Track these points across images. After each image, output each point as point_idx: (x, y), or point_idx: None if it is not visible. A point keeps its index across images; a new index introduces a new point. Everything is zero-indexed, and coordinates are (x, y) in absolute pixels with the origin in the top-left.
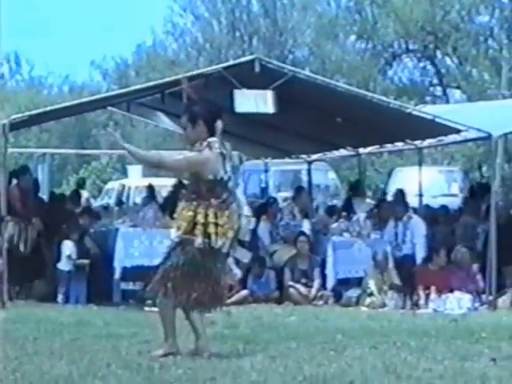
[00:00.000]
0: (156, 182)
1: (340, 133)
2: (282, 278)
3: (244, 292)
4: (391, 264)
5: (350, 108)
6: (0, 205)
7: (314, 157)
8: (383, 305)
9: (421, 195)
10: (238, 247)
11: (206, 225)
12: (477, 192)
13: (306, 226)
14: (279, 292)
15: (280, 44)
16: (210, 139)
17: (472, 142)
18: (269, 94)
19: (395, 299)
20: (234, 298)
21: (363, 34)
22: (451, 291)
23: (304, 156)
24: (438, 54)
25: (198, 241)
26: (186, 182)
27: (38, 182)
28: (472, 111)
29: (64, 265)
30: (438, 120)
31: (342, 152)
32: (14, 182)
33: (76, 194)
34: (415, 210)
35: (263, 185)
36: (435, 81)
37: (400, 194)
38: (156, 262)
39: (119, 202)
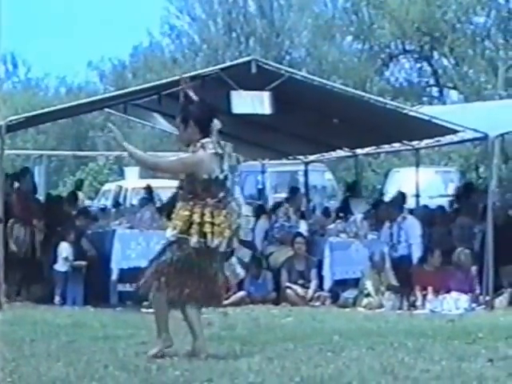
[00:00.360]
0: (154, 183)
1: (337, 134)
2: (278, 279)
3: (241, 293)
4: (388, 265)
5: (346, 109)
6: None
7: (311, 158)
8: (380, 305)
9: (418, 196)
10: (240, 247)
11: (201, 224)
12: (463, 193)
13: (302, 227)
14: (276, 293)
15: (277, 45)
16: (204, 140)
17: (469, 143)
18: (265, 95)
19: (392, 300)
20: (231, 299)
21: (360, 34)
22: (448, 292)
23: (301, 157)
24: (435, 54)
25: (193, 240)
26: (182, 182)
27: (35, 184)
28: (469, 112)
29: (60, 266)
30: (434, 121)
31: (339, 153)
32: (16, 184)
33: (73, 196)
34: (412, 211)
35: (260, 186)
36: (432, 81)
37: (401, 196)
38: None
39: (116, 204)
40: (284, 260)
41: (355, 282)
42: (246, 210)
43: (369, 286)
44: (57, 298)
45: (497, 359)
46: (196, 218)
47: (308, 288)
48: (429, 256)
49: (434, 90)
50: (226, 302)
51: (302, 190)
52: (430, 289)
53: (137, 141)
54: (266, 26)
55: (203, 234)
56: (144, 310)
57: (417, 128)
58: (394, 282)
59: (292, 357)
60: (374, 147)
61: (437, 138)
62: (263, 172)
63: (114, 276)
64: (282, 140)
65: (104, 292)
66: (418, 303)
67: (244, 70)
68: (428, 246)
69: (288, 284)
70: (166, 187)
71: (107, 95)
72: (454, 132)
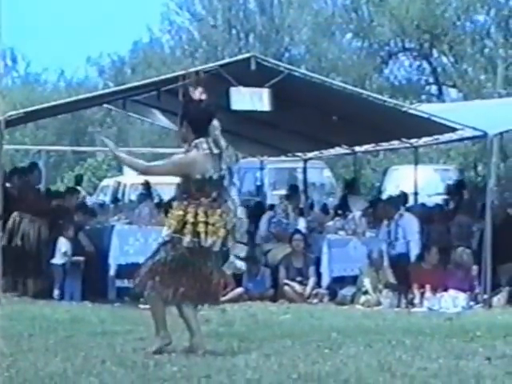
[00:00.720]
0: (152, 179)
1: (336, 131)
2: (276, 276)
3: (239, 290)
4: (386, 262)
5: (345, 106)
6: None
7: (310, 155)
8: (378, 303)
9: (416, 194)
10: (235, 245)
11: (195, 224)
12: (454, 191)
13: (301, 224)
14: (274, 290)
15: (276, 42)
16: (197, 140)
17: (468, 141)
18: (265, 92)
19: (390, 298)
20: (228, 296)
21: (359, 32)
22: (446, 290)
23: (300, 154)
24: (434, 52)
25: (186, 240)
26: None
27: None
28: (468, 110)
29: (58, 260)
30: (433, 118)
31: (338, 150)
32: (24, 178)
33: (73, 191)
34: (410, 209)
35: (258, 183)
36: (431, 79)
37: (403, 195)
38: None
39: (114, 200)
40: (282, 257)
41: (353, 280)
42: (241, 213)
43: (367, 283)
44: (56, 292)
45: (494, 357)
46: (190, 217)
47: (306, 285)
48: (426, 254)
49: (433, 88)
50: (223, 299)
51: (301, 187)
52: (427, 287)
53: (136, 137)
54: (265, 23)
55: (197, 234)
56: (142, 305)
57: (416, 126)
58: (392, 280)
59: (289, 354)
60: (372, 145)
61: (435, 136)
62: (262, 169)
63: (112, 272)
64: (280, 137)
65: (102, 288)
66: (416, 301)
67: (243, 66)
68: (426, 243)
69: (286, 281)
70: (164, 183)
71: (106, 91)
72: (453, 130)
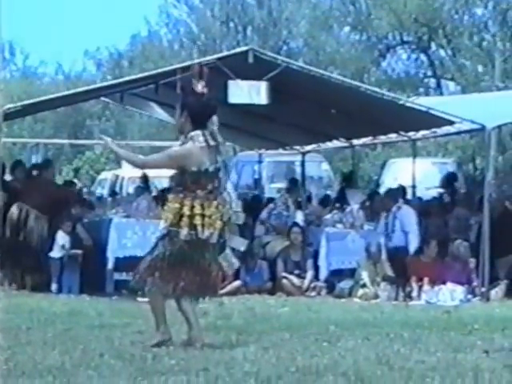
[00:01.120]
0: (150, 172)
1: (334, 124)
2: (274, 269)
3: (237, 283)
4: (384, 255)
5: (343, 99)
6: None
7: (308, 148)
8: (376, 296)
9: (414, 187)
10: (232, 236)
11: (191, 216)
12: (446, 183)
13: (299, 217)
14: (272, 283)
15: (274, 35)
16: (193, 133)
17: (466, 134)
18: (263, 85)
19: (388, 291)
20: (226, 289)
21: (357, 25)
22: (444, 283)
23: (298, 147)
24: (432, 45)
25: (184, 232)
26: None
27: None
28: (466, 103)
29: (56, 253)
30: (431, 112)
31: (336, 143)
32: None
33: (70, 184)
34: (408, 202)
35: (256, 176)
36: (429, 72)
37: (401, 189)
38: None
39: (112, 193)
40: (280, 250)
41: (351, 273)
42: (237, 206)
43: (365, 276)
44: (54, 286)
45: (492, 351)
46: (186, 210)
47: (304, 278)
48: (424, 247)
49: (431, 81)
50: (221, 292)
51: (299, 180)
52: (425, 280)
53: (134, 130)
54: (263, 16)
55: (193, 226)
56: (140, 299)
57: (414, 119)
58: (390, 273)
59: (287, 347)
60: (370, 138)
61: (433, 129)
62: (260, 162)
63: (110, 265)
64: (278, 130)
65: (100, 281)
66: (414, 294)
67: (241, 59)
68: (424, 236)
69: (284, 274)
70: (162, 176)
71: (104, 84)
72: (451, 123)
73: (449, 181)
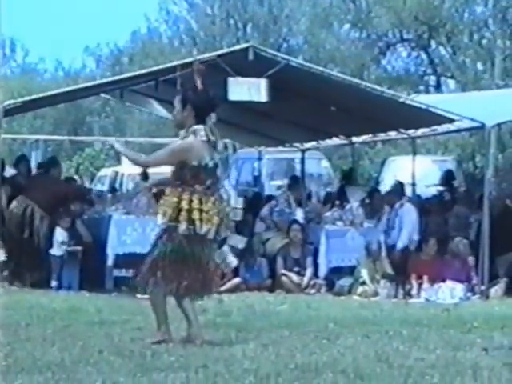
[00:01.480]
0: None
1: (334, 122)
2: (274, 267)
3: (236, 280)
4: (384, 253)
5: (343, 97)
6: None
7: (308, 145)
8: (375, 294)
9: (414, 185)
10: (231, 234)
11: (190, 211)
12: (445, 181)
13: (298, 215)
14: (271, 280)
15: (274, 32)
16: (196, 127)
17: (465, 132)
18: (262, 83)
19: (388, 288)
20: (226, 286)
21: (357, 23)
22: (444, 281)
23: (297, 144)
24: (432, 43)
25: (182, 227)
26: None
27: (30, 169)
28: (465, 101)
29: (56, 250)
30: (431, 109)
31: (336, 141)
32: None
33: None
34: (408, 199)
35: (256, 173)
36: (429, 70)
37: (399, 186)
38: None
39: (112, 189)
40: (280, 247)
41: (351, 270)
42: (236, 202)
43: (364, 274)
44: (53, 283)
45: (492, 348)
46: (184, 204)
47: (303, 275)
48: (424, 245)
49: (431, 79)
50: (221, 289)
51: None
52: (425, 278)
53: (133, 127)
54: (263, 13)
55: (192, 221)
56: (139, 295)
57: (413, 117)
58: (390, 271)
59: (287, 344)
60: (370, 135)
61: (433, 127)
62: (260, 159)
63: (110, 261)
64: (278, 127)
65: (99, 277)
66: (414, 292)
67: (241, 56)
68: (424, 234)
69: (283, 271)
70: (162, 173)
71: (104, 80)
72: (451, 121)
73: (448, 179)
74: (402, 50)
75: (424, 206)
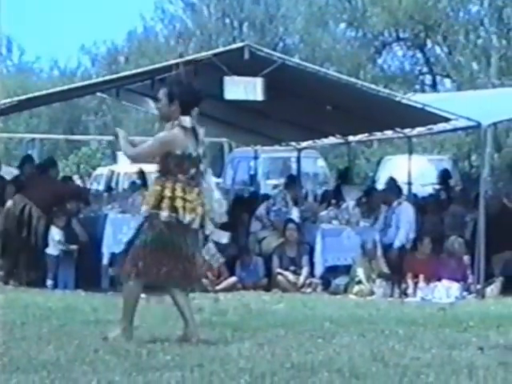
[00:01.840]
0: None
1: (329, 120)
2: (270, 266)
3: (232, 279)
4: (379, 252)
5: (339, 96)
6: None
7: (304, 144)
8: (371, 293)
9: (410, 184)
10: (214, 229)
11: (173, 199)
12: (441, 181)
13: (294, 214)
14: (267, 279)
15: (270, 31)
16: (182, 118)
17: (461, 131)
18: (258, 82)
19: (383, 287)
20: (222, 285)
21: (353, 22)
22: (439, 280)
23: (293, 143)
24: (428, 42)
25: (164, 214)
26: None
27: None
28: (461, 100)
29: (52, 250)
30: (427, 108)
31: (332, 140)
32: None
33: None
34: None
35: (252, 172)
36: (425, 69)
37: (392, 181)
38: None
39: (108, 188)
40: (275, 246)
41: (346, 269)
42: (218, 194)
43: (360, 273)
44: (49, 282)
45: (487, 348)
46: (167, 192)
47: (299, 274)
48: (420, 244)
49: (427, 78)
50: (217, 288)
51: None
52: (421, 277)
53: (130, 126)
54: (259, 12)
55: (174, 209)
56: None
57: (409, 116)
58: (386, 270)
59: (283, 343)
60: (366, 134)
61: (429, 126)
62: (256, 158)
63: (106, 260)
64: (274, 126)
65: (95, 276)
66: (410, 291)
67: (237, 55)
68: (419, 233)
69: (279, 270)
70: None
71: (100, 79)
72: (447, 120)
73: (444, 178)
74: (398, 49)
75: (420, 204)
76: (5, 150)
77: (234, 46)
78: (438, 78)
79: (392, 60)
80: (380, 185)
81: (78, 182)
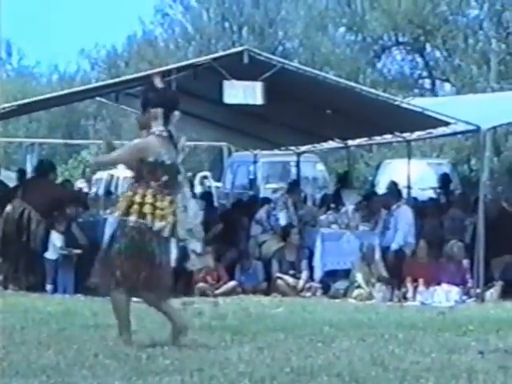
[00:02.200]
0: None
1: (329, 125)
2: (269, 270)
3: (232, 283)
4: (378, 256)
5: (339, 100)
6: None
7: (303, 149)
8: (371, 297)
9: (409, 188)
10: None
11: (142, 205)
12: (442, 184)
13: (293, 218)
14: (267, 283)
15: (270, 35)
16: (155, 127)
17: (461, 135)
18: (258, 86)
19: (383, 291)
20: (221, 289)
21: (352, 26)
22: (439, 284)
23: (293, 148)
24: (428, 46)
25: (131, 219)
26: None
27: (25, 173)
28: (461, 104)
29: (51, 254)
30: (426, 112)
31: (331, 144)
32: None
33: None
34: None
35: (251, 176)
36: (424, 73)
37: (393, 185)
38: None
39: (107, 192)
40: (275, 250)
41: (346, 273)
42: (194, 205)
43: (359, 277)
44: (48, 286)
45: (487, 352)
46: (137, 198)
47: (299, 278)
48: (419, 248)
49: (427, 82)
50: (216, 292)
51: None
52: (420, 281)
53: (129, 130)
54: (259, 17)
55: (143, 215)
56: (134, 298)
57: (409, 120)
58: (385, 274)
59: (282, 347)
60: (365, 139)
61: (429, 130)
62: (255, 162)
63: None
64: (274, 130)
65: None
66: (409, 295)
67: (236, 60)
68: (419, 237)
69: (279, 274)
70: None
71: (99, 84)
72: (446, 124)
73: (444, 182)
74: (398, 53)
75: (419, 208)
76: (4, 155)
77: (233, 50)
78: (438, 82)
79: (391, 64)
80: (379, 189)
81: (84, 185)
